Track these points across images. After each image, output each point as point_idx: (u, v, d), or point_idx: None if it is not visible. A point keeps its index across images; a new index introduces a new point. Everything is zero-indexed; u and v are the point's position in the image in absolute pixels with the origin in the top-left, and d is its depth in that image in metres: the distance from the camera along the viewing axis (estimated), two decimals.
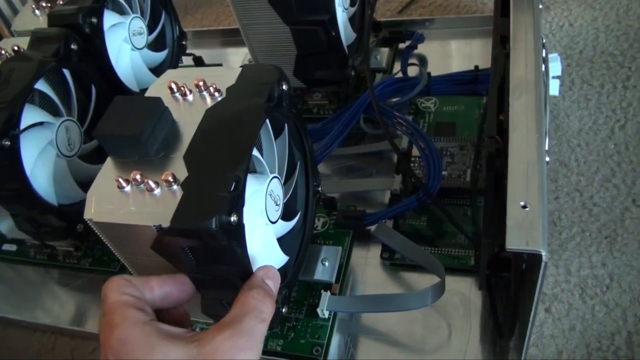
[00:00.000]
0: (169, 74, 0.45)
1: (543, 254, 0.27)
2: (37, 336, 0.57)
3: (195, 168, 0.36)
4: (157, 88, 0.44)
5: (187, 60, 0.75)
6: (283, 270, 0.45)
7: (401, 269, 0.50)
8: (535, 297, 0.29)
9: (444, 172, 0.52)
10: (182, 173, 0.36)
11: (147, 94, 0.43)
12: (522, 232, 0.27)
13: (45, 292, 0.59)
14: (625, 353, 0.44)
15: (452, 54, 0.70)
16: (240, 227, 0.35)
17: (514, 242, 0.27)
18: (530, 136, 0.31)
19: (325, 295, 0.46)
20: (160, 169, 0.37)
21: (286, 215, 0.47)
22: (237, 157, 0.36)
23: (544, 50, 0.37)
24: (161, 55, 0.69)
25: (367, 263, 0.52)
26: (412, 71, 0.65)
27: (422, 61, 0.69)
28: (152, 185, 0.36)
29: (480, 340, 0.45)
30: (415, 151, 0.55)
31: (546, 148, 0.35)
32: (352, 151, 0.59)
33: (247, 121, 0.38)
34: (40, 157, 0.52)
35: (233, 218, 0.34)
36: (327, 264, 0.48)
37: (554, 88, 0.55)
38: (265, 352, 0.47)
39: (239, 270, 0.37)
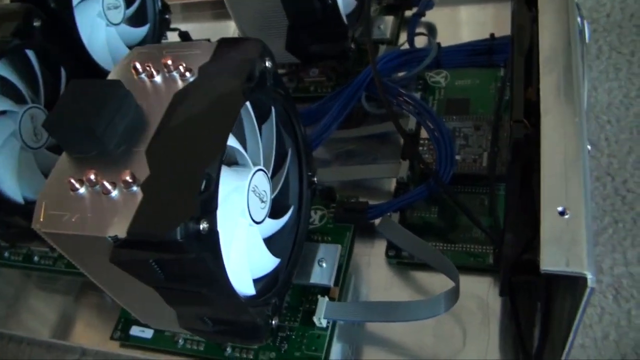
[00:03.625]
0: (136, 51, 0.39)
1: (589, 277, 0.20)
2: (12, 348, 0.52)
3: (158, 165, 0.31)
4: (121, 69, 0.38)
5: (172, 36, 0.68)
6: (274, 275, 0.40)
7: (409, 267, 0.44)
8: (575, 326, 0.23)
9: (457, 157, 0.46)
10: (145, 171, 0.30)
11: (110, 76, 0.38)
12: (560, 249, 0.21)
13: (21, 297, 0.54)
14: None
15: (464, 22, 0.63)
16: (212, 235, 0.29)
17: (551, 261, 0.21)
18: (568, 120, 0.25)
19: (323, 302, 0.40)
20: (120, 167, 0.31)
21: (276, 212, 0.41)
22: (209, 151, 0.30)
23: (579, 17, 0.31)
24: (141, 31, 0.63)
25: (371, 262, 0.46)
26: (420, 42, 0.58)
27: (431, 30, 0.62)
28: (108, 186, 0.30)
29: (500, 350, 0.39)
30: (424, 133, 0.49)
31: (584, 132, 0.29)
32: (353, 134, 0.52)
33: (223, 106, 0.32)
34: (2, 151, 0.46)
35: (203, 225, 0.28)
36: (324, 265, 0.42)
37: None
38: None
39: (213, 282, 0.31)
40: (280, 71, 0.59)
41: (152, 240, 0.28)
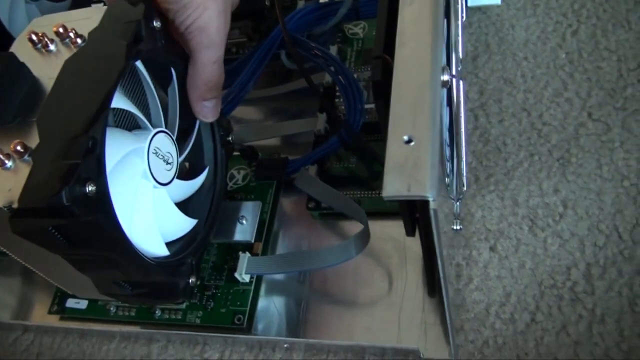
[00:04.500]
0: (34, 23, 0.39)
1: (430, 199, 0.21)
2: None
3: (47, 132, 0.31)
4: (19, 42, 0.38)
5: None
6: (192, 235, 0.40)
7: (330, 218, 0.45)
8: (437, 250, 0.24)
9: (370, 106, 0.46)
10: (37, 140, 0.31)
11: (11, 49, 0.37)
12: (402, 175, 0.22)
13: None
14: (584, 288, 0.39)
15: None
16: (102, 196, 0.30)
17: (393, 188, 0.21)
18: (423, 50, 0.25)
19: (244, 257, 0.41)
20: (14, 138, 0.32)
21: (195, 173, 0.41)
22: (93, 113, 0.30)
23: None
24: (63, 6, 0.62)
25: (295, 215, 0.46)
26: None
27: None
28: (2, 158, 0.31)
29: (419, 287, 0.40)
30: None
31: (453, 65, 0.29)
32: (275, 91, 0.52)
33: (107, 68, 0.32)
34: None
35: (89, 188, 0.29)
36: (245, 222, 0.43)
37: None
38: (183, 326, 0.42)
39: (115, 245, 0.32)
40: None
41: (40, 206, 0.28)
